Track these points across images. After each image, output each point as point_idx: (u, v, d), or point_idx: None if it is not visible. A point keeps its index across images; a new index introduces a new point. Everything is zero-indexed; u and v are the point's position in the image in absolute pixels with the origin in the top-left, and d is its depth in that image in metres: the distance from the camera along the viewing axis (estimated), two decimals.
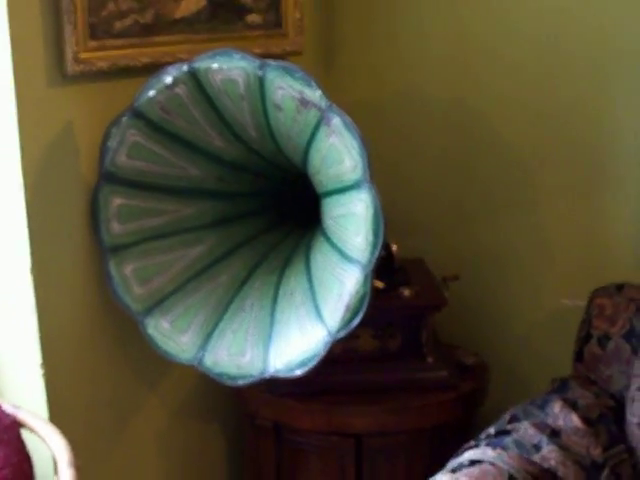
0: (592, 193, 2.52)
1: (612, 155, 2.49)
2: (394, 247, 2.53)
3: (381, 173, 2.80)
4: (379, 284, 2.47)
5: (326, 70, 2.90)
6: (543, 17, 2.52)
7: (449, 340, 2.70)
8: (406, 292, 2.45)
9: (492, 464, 1.91)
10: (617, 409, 2.17)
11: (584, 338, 2.29)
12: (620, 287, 2.28)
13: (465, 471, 1.89)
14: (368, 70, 2.85)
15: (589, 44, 2.47)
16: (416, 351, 2.44)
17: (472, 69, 2.65)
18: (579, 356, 2.30)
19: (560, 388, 2.23)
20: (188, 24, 2.42)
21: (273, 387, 2.41)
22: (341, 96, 2.83)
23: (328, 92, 2.85)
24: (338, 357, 2.42)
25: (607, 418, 2.12)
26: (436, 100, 2.73)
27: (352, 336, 2.40)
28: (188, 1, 2.42)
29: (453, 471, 1.90)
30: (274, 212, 2.50)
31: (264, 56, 2.54)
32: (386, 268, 2.53)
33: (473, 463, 1.92)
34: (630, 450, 2.08)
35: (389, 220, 2.82)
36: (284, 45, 2.68)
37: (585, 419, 2.08)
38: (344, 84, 2.88)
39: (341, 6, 2.86)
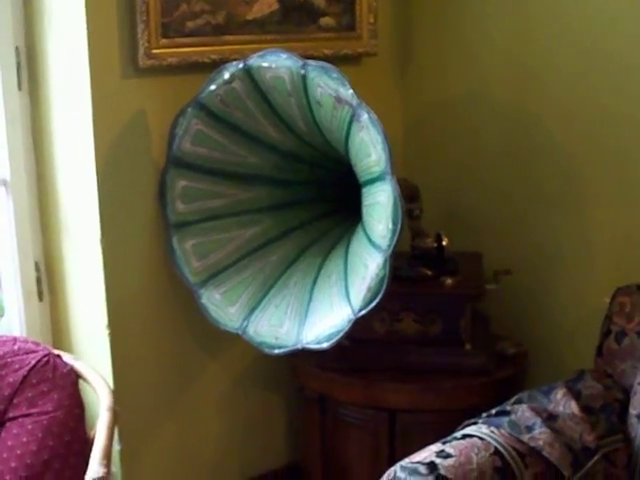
0: (635, 202, 2.58)
1: None
2: (445, 240, 2.67)
3: (448, 170, 2.99)
4: (427, 272, 2.64)
5: (401, 71, 3.07)
6: (606, 32, 2.57)
7: (501, 330, 2.83)
8: (448, 281, 2.59)
9: (481, 439, 2.05)
10: (625, 402, 2.25)
11: (605, 334, 2.37)
12: None
13: (455, 443, 2.04)
14: (440, 72, 3.00)
15: None
16: (455, 337, 2.57)
17: (534, 75, 2.75)
18: (599, 350, 2.39)
19: (574, 378, 2.33)
20: (259, 25, 2.62)
21: (320, 362, 2.61)
22: (415, 95, 3.04)
23: (403, 91, 3.05)
24: (382, 337, 2.61)
25: (610, 408, 2.21)
26: (499, 102, 2.84)
27: (396, 319, 2.60)
28: (261, 3, 2.62)
29: (444, 442, 2.05)
30: (329, 201, 2.68)
31: (335, 57, 2.73)
32: (436, 258, 2.69)
33: (465, 437, 2.07)
34: (627, 440, 2.17)
35: (455, 215, 2.99)
36: (357, 47, 2.84)
37: (585, 407, 2.18)
38: (418, 84, 3.05)
39: (415, 13, 3.02)
